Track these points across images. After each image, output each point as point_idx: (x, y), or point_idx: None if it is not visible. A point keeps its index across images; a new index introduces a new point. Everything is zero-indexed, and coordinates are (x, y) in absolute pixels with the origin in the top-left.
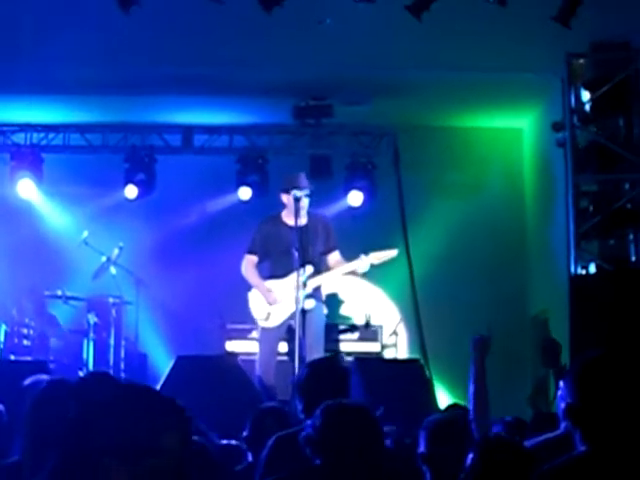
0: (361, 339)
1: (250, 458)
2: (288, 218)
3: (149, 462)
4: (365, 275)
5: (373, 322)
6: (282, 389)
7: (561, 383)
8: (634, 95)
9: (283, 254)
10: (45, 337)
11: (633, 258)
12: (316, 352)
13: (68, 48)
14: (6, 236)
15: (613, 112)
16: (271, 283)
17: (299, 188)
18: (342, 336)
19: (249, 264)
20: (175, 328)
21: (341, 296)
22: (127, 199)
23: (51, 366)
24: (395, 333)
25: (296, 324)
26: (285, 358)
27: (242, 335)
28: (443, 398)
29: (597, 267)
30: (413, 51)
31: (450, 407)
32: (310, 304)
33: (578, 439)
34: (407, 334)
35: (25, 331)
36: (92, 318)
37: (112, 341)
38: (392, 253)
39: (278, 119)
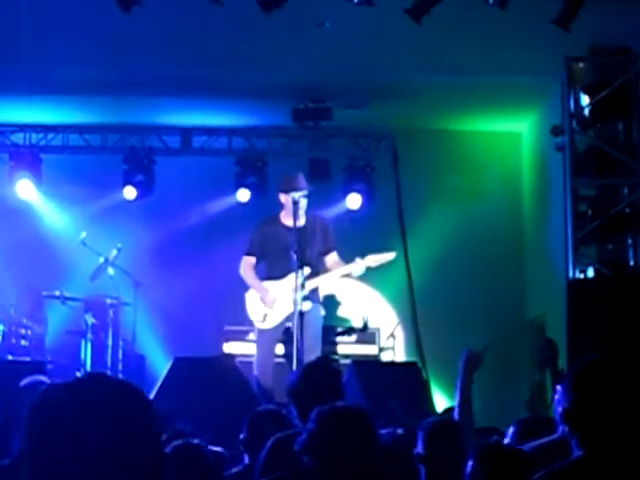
0: (359, 342)
1: (247, 460)
2: (286, 219)
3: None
4: (363, 278)
5: (371, 325)
6: (280, 391)
7: (558, 387)
8: (633, 100)
9: (281, 255)
10: (43, 337)
11: (631, 262)
12: (313, 354)
13: (67, 49)
14: (4, 236)
15: (612, 116)
16: (268, 284)
17: (297, 189)
18: (339, 338)
19: (247, 265)
20: (173, 329)
21: (339, 298)
22: (126, 200)
23: (49, 367)
24: (393, 336)
25: (294, 326)
26: (283, 360)
27: (240, 337)
28: (440, 401)
29: (595, 271)
30: (412, 54)
31: (447, 410)
32: (307, 306)
33: (575, 444)
34: (404, 337)
35: (23, 331)
36: (90, 319)
37: (110, 342)
38: (390, 256)
39: (277, 121)
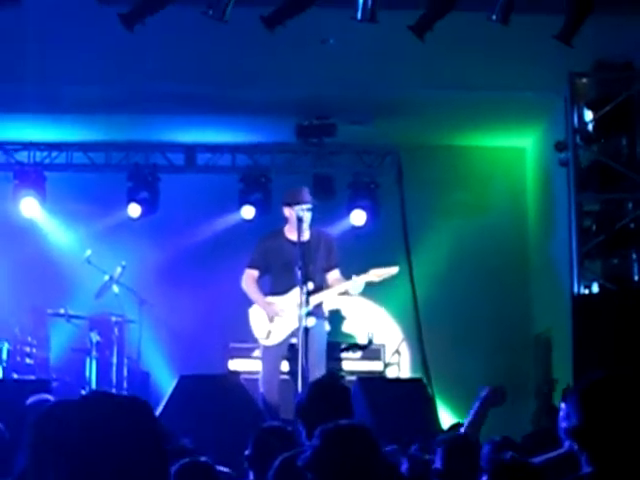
0: (364, 358)
1: (252, 477)
2: (290, 233)
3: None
4: (367, 294)
5: (376, 341)
6: (285, 408)
7: (563, 405)
8: (637, 114)
9: (284, 270)
10: (47, 355)
11: (636, 277)
12: (318, 371)
13: (71, 67)
14: (9, 254)
15: (616, 131)
16: (272, 299)
17: (301, 202)
18: (344, 355)
19: (249, 278)
20: (178, 347)
21: (344, 314)
22: (130, 218)
23: (54, 384)
24: (398, 352)
25: (298, 342)
26: (288, 377)
27: (245, 354)
28: (446, 417)
29: (600, 287)
30: (416, 70)
31: (453, 426)
32: (312, 322)
33: (584, 460)
34: (409, 353)
35: (28, 349)
36: (95, 336)
37: (115, 360)
38: (393, 270)
39: (281, 138)
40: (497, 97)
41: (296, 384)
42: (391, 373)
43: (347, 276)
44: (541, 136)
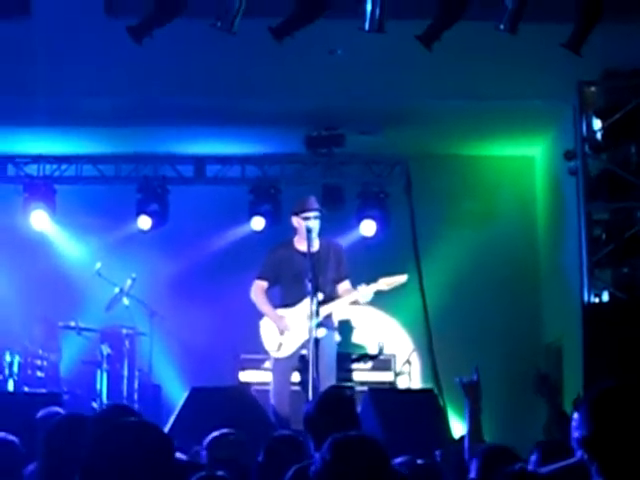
0: (374, 368)
1: None
2: (299, 244)
3: None
4: (378, 304)
5: (386, 351)
6: (296, 419)
7: (575, 414)
8: None
9: (294, 281)
10: (57, 368)
11: None
12: (329, 382)
13: (80, 80)
14: (20, 267)
15: (625, 140)
16: (282, 312)
17: (309, 210)
18: (355, 365)
19: (258, 289)
20: (188, 359)
21: (354, 324)
22: (140, 230)
23: (65, 397)
24: (408, 362)
25: (309, 353)
26: (299, 388)
27: (256, 365)
28: (457, 427)
29: (610, 295)
30: (424, 80)
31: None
32: (322, 332)
33: (595, 471)
34: (420, 363)
35: (38, 362)
36: (105, 349)
37: (126, 372)
38: (402, 278)
39: (290, 149)
40: (506, 106)
41: (307, 395)
42: (402, 383)
43: (357, 286)
44: (550, 145)
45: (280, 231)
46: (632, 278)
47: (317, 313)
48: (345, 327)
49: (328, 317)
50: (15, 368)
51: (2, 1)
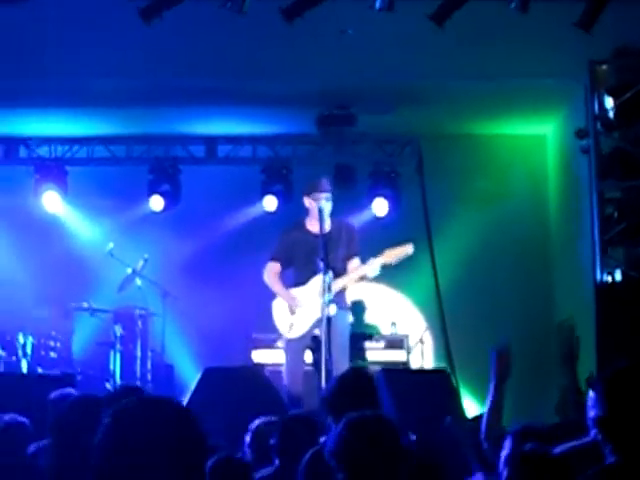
0: (387, 347)
1: (277, 464)
2: (311, 225)
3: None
4: (390, 282)
5: (399, 330)
6: (309, 399)
7: (590, 393)
8: None
9: (307, 261)
10: (71, 349)
11: None
12: (342, 362)
13: (91, 61)
14: (32, 249)
15: (637, 118)
16: (294, 291)
17: (320, 190)
18: (368, 344)
19: (271, 271)
20: (201, 339)
21: (367, 304)
22: (152, 211)
23: (78, 378)
24: (421, 341)
25: (322, 332)
26: (311, 368)
27: (268, 344)
28: (470, 407)
29: (623, 274)
30: (435, 59)
31: (478, 417)
32: (333, 310)
33: (609, 450)
34: (433, 342)
35: (52, 343)
36: (118, 330)
37: (139, 353)
38: (407, 249)
39: (301, 129)
40: (517, 85)
41: (320, 375)
42: (415, 362)
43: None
44: (562, 123)
45: (292, 211)
46: None
47: (329, 288)
48: (358, 307)
49: (340, 297)
50: (28, 349)
51: None
